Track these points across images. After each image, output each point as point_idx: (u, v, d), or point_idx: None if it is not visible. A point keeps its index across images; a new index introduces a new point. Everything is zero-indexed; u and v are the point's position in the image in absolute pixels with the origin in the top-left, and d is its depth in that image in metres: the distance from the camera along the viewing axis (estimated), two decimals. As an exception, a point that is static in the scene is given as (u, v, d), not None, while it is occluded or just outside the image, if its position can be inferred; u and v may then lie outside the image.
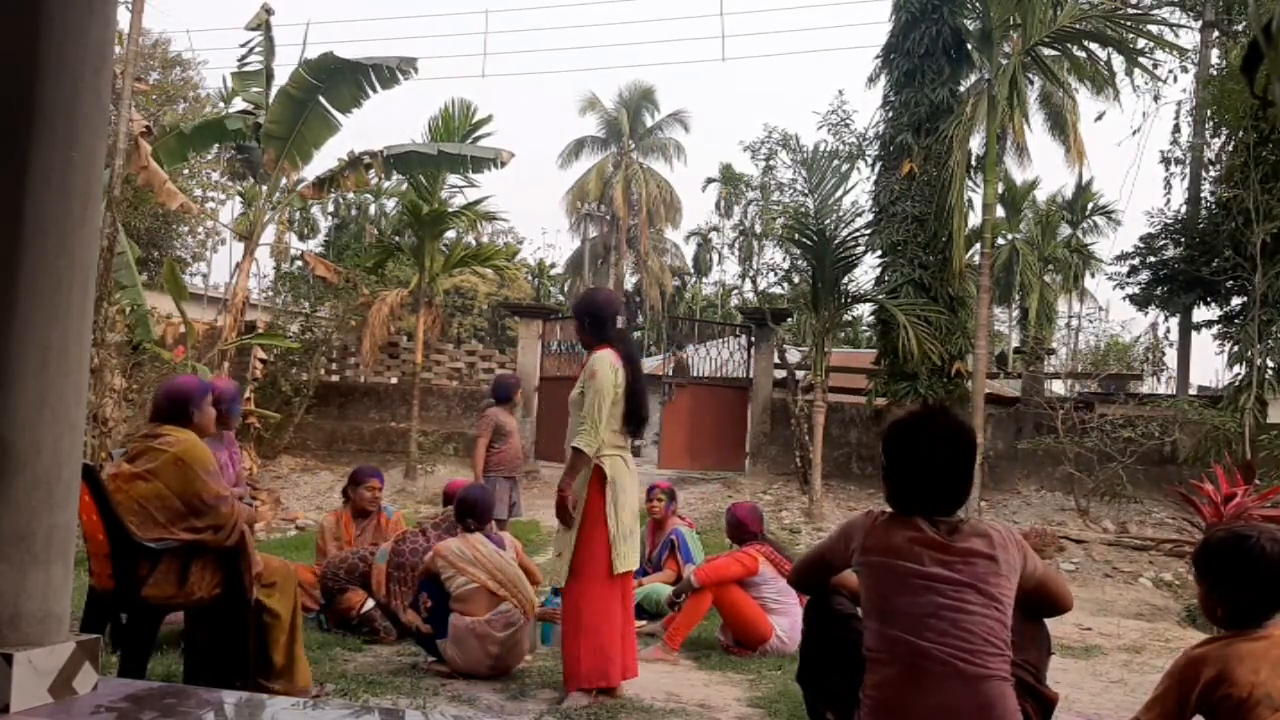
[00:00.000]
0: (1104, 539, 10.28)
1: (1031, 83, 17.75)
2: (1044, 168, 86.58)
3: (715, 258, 43.23)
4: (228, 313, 12.00)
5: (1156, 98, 21.33)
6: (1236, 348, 11.95)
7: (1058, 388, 17.57)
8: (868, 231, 12.51)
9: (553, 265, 39.19)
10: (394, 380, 15.16)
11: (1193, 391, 15.46)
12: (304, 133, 11.64)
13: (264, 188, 12.93)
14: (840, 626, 2.73)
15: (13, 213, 2.39)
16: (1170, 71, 14.38)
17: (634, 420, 4.32)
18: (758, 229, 36.93)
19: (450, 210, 13.82)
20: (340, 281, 14.43)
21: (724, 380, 13.69)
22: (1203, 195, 14.69)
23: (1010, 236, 29.90)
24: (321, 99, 11.45)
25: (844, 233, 11.68)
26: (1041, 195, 31.89)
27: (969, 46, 12.83)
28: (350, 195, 28.73)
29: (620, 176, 36.69)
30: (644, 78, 43.76)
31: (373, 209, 31.45)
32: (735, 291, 40.08)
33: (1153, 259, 13.86)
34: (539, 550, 8.28)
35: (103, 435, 9.45)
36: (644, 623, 5.92)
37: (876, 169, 13.58)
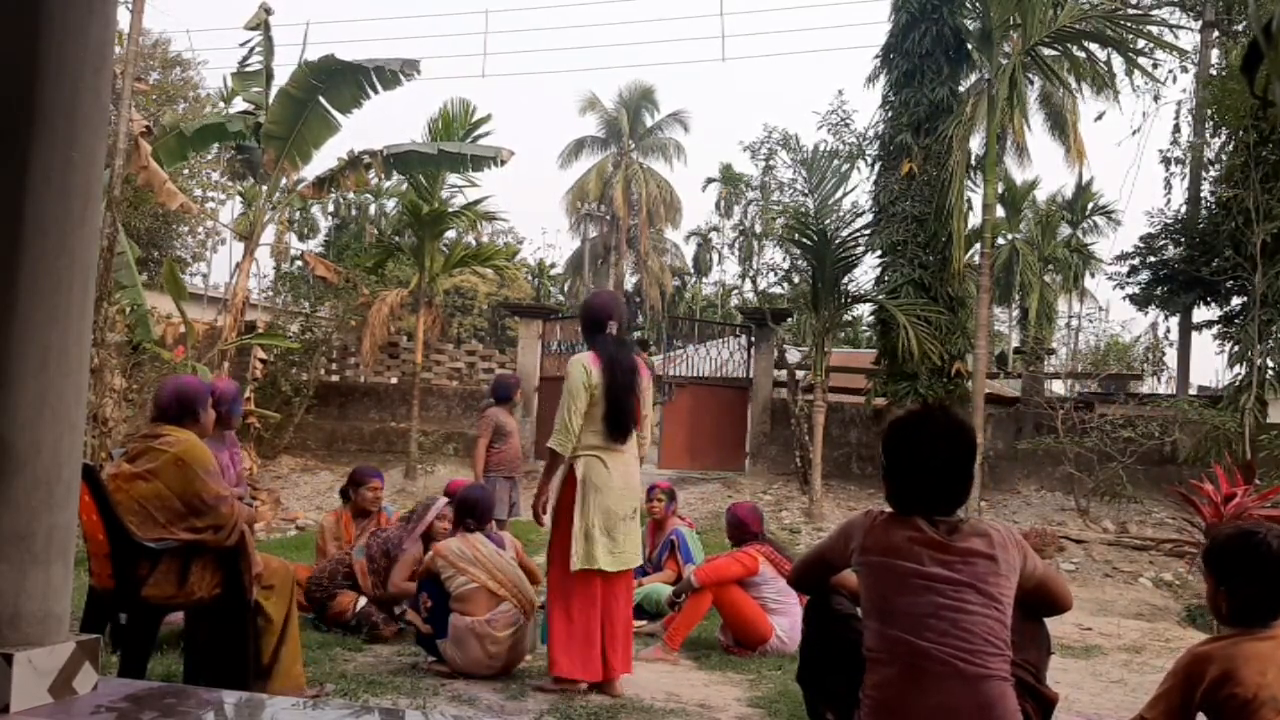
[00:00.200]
0: (1104, 539, 10.28)
1: (1031, 83, 17.76)
2: (1044, 168, 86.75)
3: (715, 258, 43.26)
4: (228, 313, 12.00)
5: (1156, 98, 21.34)
6: (1236, 348, 11.94)
7: (1058, 388, 17.57)
8: (868, 231, 12.51)
9: (553, 265, 39.21)
10: (394, 380, 15.16)
11: (1193, 391, 15.45)
12: (304, 133, 11.64)
13: (264, 188, 12.92)
14: (840, 626, 2.73)
15: (13, 213, 2.39)
16: (1170, 72, 14.40)
17: (611, 421, 4.37)
18: (758, 229, 36.94)
19: (450, 210, 13.82)
20: (340, 281, 14.42)
21: (724, 380, 13.69)
22: (1203, 195, 14.68)
23: (1010, 236, 29.88)
24: (322, 99, 11.45)
25: (844, 233, 11.68)
26: (1041, 195, 31.90)
27: (969, 46, 12.82)
28: (350, 195, 28.71)
29: (620, 176, 36.70)
30: (644, 78, 43.76)
31: (373, 209, 31.44)
32: (735, 291, 40.11)
33: (1153, 259, 13.86)
34: (539, 550, 8.23)
35: (103, 435, 9.45)
36: (644, 623, 5.92)
37: (876, 169, 13.57)
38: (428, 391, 14.26)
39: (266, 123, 11.69)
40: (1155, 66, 12.93)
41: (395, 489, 11.92)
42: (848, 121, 15.55)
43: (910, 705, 2.34)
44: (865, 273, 23.48)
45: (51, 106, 2.45)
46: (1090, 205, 32.31)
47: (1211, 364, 67.17)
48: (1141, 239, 14.07)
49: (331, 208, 31.75)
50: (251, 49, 12.20)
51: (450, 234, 16.98)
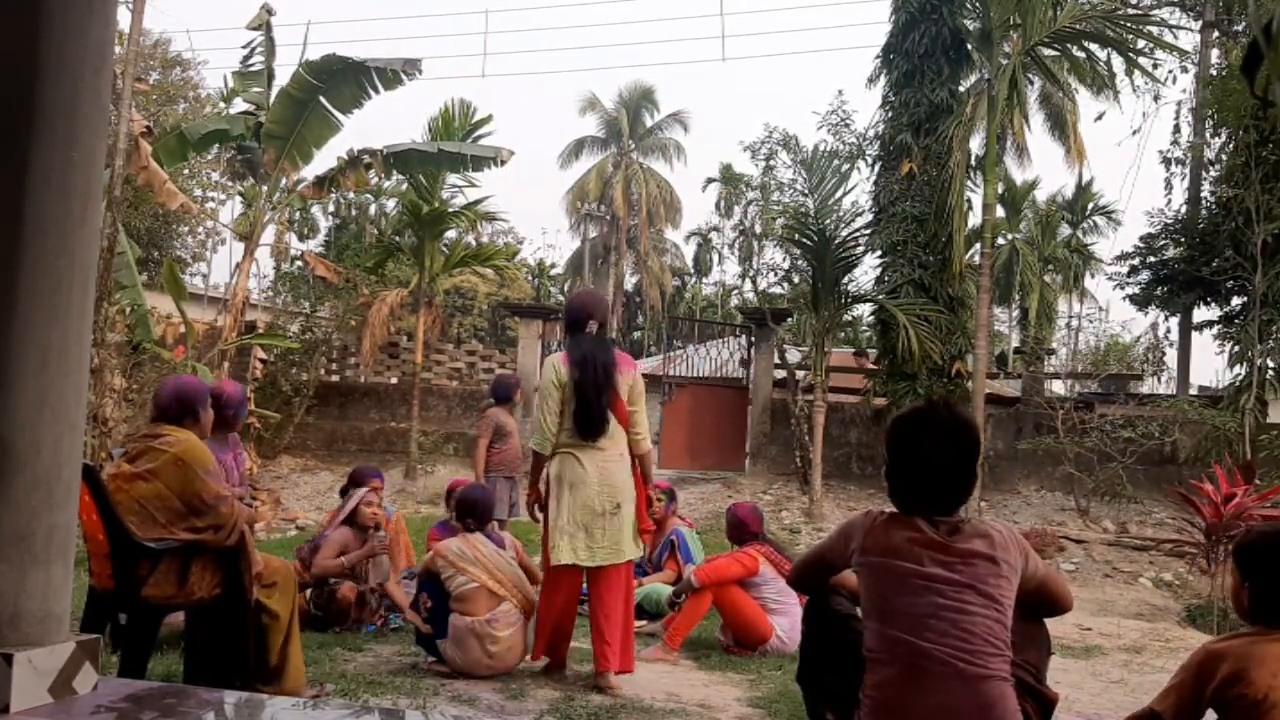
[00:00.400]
0: (1104, 539, 10.28)
1: (1031, 83, 17.77)
2: (1044, 168, 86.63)
3: (715, 258, 43.24)
4: (228, 313, 12.00)
5: (1156, 98, 21.33)
6: (1237, 348, 11.95)
7: (1058, 388, 17.56)
8: (868, 231, 12.51)
9: (553, 265, 39.21)
10: (394, 380, 15.16)
11: (1193, 391, 15.45)
12: (304, 133, 11.64)
13: (264, 188, 12.92)
14: (840, 626, 2.73)
15: (13, 213, 2.39)
16: (1170, 72, 14.40)
17: (580, 419, 4.45)
18: (758, 229, 36.94)
19: (450, 210, 13.81)
20: (340, 281, 14.42)
21: (724, 380, 13.69)
22: (1203, 195, 14.68)
23: (1010, 236, 29.89)
24: (323, 99, 11.45)
25: (844, 233, 11.68)
26: (1041, 195, 31.90)
27: (969, 47, 12.82)
28: (350, 195, 28.72)
29: (620, 176, 36.68)
30: (644, 78, 43.77)
31: (373, 209, 31.44)
32: (735, 291, 40.11)
33: (1153, 259, 13.86)
34: (539, 550, 8.26)
35: (103, 435, 9.45)
36: (644, 623, 5.93)
37: (876, 169, 13.58)
38: (428, 391, 14.26)
39: (267, 123, 11.69)
40: (1155, 66, 12.94)
41: (395, 489, 11.92)
42: (848, 122, 15.56)
43: (910, 705, 2.33)
44: (865, 273, 23.50)
45: (51, 106, 2.45)
46: (1090, 205, 32.31)
47: (1211, 364, 67.15)
48: (1141, 239, 14.07)
49: (331, 208, 31.75)
50: (253, 49, 12.21)
51: (450, 234, 16.98)
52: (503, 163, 11.87)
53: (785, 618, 5.22)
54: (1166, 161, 14.89)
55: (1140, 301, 14.29)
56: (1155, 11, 14.36)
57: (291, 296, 22.09)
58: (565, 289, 39.00)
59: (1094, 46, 11.53)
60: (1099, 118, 23.39)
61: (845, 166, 12.26)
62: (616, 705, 4.08)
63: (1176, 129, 15.14)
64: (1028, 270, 29.72)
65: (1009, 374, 17.12)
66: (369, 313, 14.29)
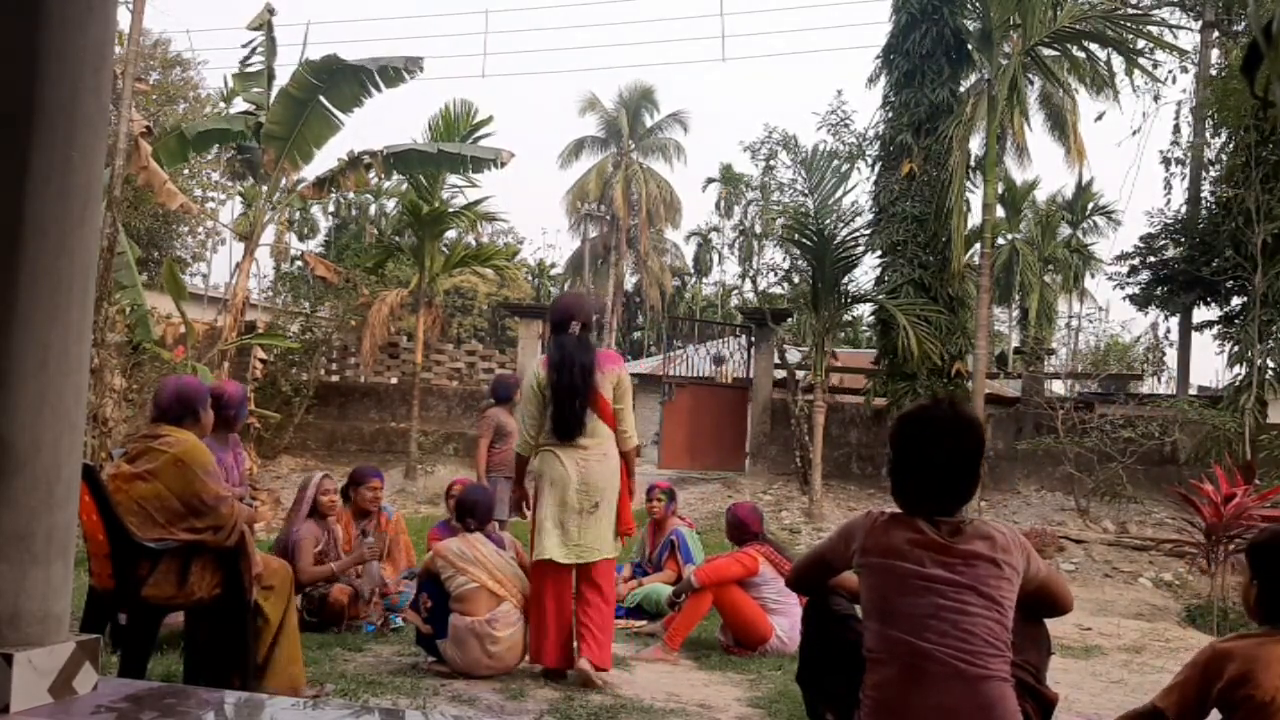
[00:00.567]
0: (1104, 539, 10.28)
1: (1031, 83, 17.76)
2: (1044, 168, 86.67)
3: (715, 258, 43.26)
4: (228, 313, 12.00)
5: (1156, 98, 21.29)
6: (1236, 348, 11.95)
7: (1058, 388, 17.56)
8: (868, 231, 12.52)
9: (553, 265, 39.25)
10: (394, 380, 15.16)
11: (1193, 392, 15.45)
12: (305, 133, 11.63)
13: (264, 188, 12.92)
14: (840, 627, 2.73)
15: (13, 213, 2.39)
16: (1170, 72, 14.40)
17: (555, 420, 4.55)
18: (758, 229, 36.94)
19: (450, 210, 13.82)
20: (340, 281, 14.42)
21: (724, 380, 13.69)
22: (1203, 195, 14.69)
23: (1010, 236, 29.89)
24: (323, 99, 11.43)
25: (844, 233, 11.68)
26: (1041, 195, 31.91)
27: (969, 47, 12.83)
28: (350, 195, 28.74)
29: (620, 176, 36.69)
30: (644, 78, 43.78)
31: (373, 209, 31.47)
32: (735, 291, 40.11)
33: (1153, 259, 13.86)
34: (539, 550, 8.26)
35: (103, 435, 9.45)
36: (644, 623, 5.94)
37: (876, 169, 13.58)
38: (428, 391, 14.26)
39: (267, 123, 11.68)
40: (1155, 66, 12.95)
41: (395, 489, 11.92)
42: (847, 122, 15.57)
43: (910, 706, 2.33)
44: (865, 273, 23.47)
45: (51, 106, 2.44)
46: (1090, 205, 32.32)
47: (1211, 364, 67.13)
48: (1141, 239, 14.07)
49: (331, 208, 31.79)
50: (253, 49, 12.19)
51: (450, 234, 16.99)
52: (503, 165, 11.86)
53: (785, 618, 5.22)
54: (1166, 161, 14.90)
55: (1140, 301, 14.29)
56: (1155, 11, 14.36)
57: (291, 296, 22.09)
58: (565, 289, 39.01)
59: (1094, 46, 11.54)
60: (1099, 118, 23.38)
61: (845, 166, 12.27)
62: (616, 705, 4.08)
63: (1176, 129, 15.16)
64: (1028, 270, 29.73)
65: (1009, 374, 17.13)
66: (369, 313, 14.29)
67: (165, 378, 4.69)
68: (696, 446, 13.08)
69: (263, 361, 13.64)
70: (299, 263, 20.09)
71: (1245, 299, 12.29)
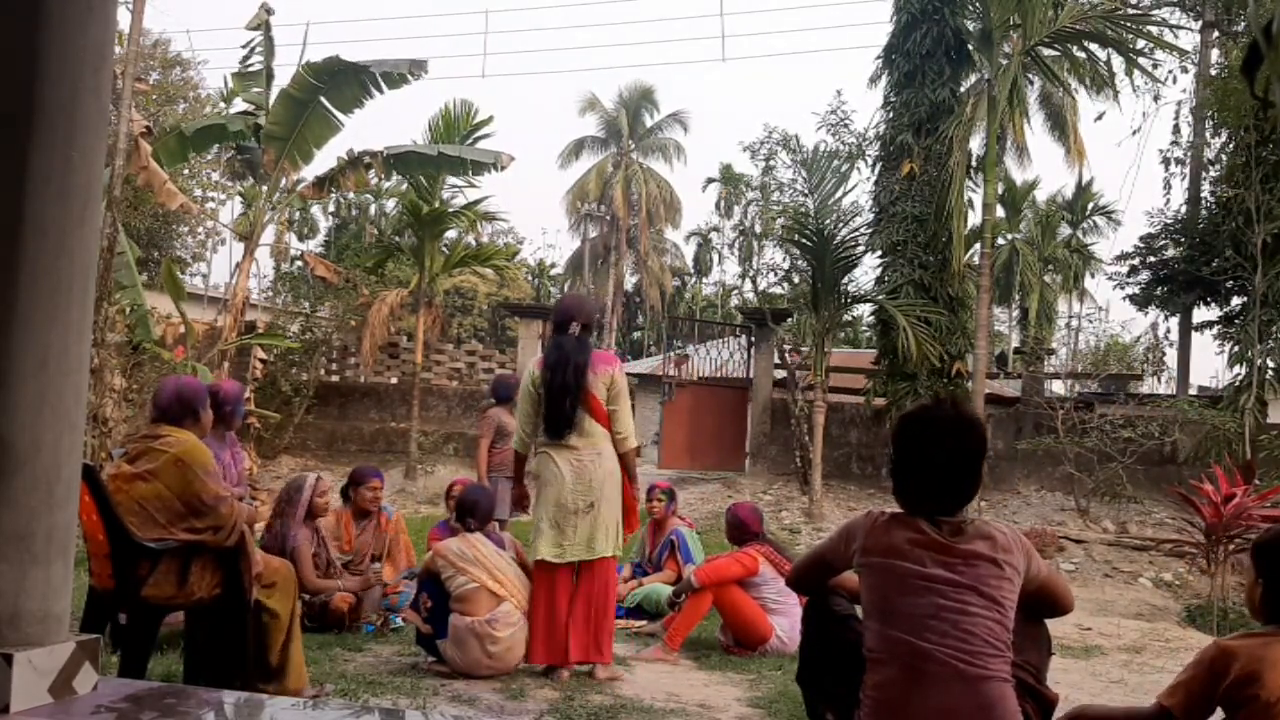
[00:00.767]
0: (1104, 539, 10.28)
1: (1031, 83, 17.77)
2: (1044, 168, 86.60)
3: (715, 258, 43.26)
4: (228, 313, 12.00)
5: (1156, 98, 21.32)
6: (1236, 348, 11.95)
7: (1058, 388, 17.56)
8: (868, 231, 12.51)
9: (553, 265, 39.24)
10: (394, 380, 15.16)
11: (1193, 392, 15.46)
12: (305, 133, 11.63)
13: (264, 188, 12.92)
14: (840, 627, 2.72)
15: (13, 213, 2.39)
16: (1170, 72, 14.41)
17: (547, 420, 4.59)
18: (758, 229, 36.94)
19: (450, 210, 13.82)
20: (340, 281, 14.43)
21: (724, 380, 13.69)
22: (1203, 195, 14.69)
23: (1010, 236, 29.89)
24: (323, 99, 11.44)
25: (844, 233, 11.68)
26: (1041, 195, 31.92)
27: (969, 47, 12.83)
28: (350, 195, 28.73)
29: (620, 176, 36.69)
30: (644, 78, 43.72)
31: (373, 209, 31.48)
32: (735, 291, 40.11)
33: (1153, 259, 13.87)
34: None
35: (103, 435, 9.44)
36: (644, 623, 5.93)
37: (877, 169, 13.58)
38: (428, 391, 14.26)
39: (267, 123, 11.68)
40: (1155, 66, 12.95)
41: (395, 489, 11.92)
42: (847, 122, 15.56)
43: (910, 706, 2.33)
44: (865, 273, 23.47)
45: (51, 106, 2.44)
46: (1090, 205, 32.32)
47: (1211, 364, 67.12)
48: (1141, 239, 14.08)
49: (331, 208, 31.79)
50: (252, 49, 12.20)
51: (450, 234, 16.99)
52: (502, 168, 11.86)
53: (785, 618, 5.21)
54: (1166, 161, 14.92)
55: (1140, 301, 14.29)
56: (1155, 11, 14.37)
57: (291, 296, 22.08)
58: (565, 289, 39.00)
59: (1094, 46, 11.54)
60: (1099, 118, 23.37)
61: (845, 166, 12.26)
62: (616, 705, 4.08)
63: (1176, 129, 15.17)
64: (1028, 270, 29.73)
65: (1009, 374, 17.13)
66: (369, 313, 14.30)
67: (165, 378, 4.70)
68: (696, 446, 13.08)
69: (263, 361, 13.64)
70: (299, 263, 20.10)
71: (1245, 299, 12.29)
